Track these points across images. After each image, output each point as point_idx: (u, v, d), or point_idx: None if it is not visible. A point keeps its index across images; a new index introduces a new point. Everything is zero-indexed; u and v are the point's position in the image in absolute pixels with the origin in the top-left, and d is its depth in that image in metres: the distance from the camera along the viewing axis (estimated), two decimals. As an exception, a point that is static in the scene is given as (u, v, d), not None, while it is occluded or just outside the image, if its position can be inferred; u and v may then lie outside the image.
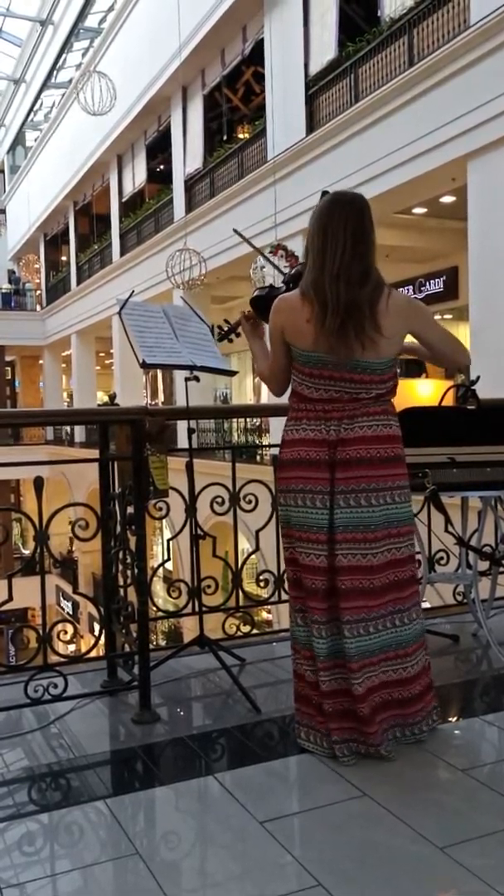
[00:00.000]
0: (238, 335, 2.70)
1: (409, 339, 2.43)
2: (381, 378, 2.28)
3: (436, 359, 2.49)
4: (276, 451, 3.19)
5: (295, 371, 2.33)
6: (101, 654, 2.95)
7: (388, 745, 2.27)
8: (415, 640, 2.34)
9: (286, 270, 2.75)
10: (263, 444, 12.75)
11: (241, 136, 14.27)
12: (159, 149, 16.38)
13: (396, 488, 2.29)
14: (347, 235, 2.22)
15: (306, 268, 2.30)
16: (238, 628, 3.29)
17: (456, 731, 2.52)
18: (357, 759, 2.23)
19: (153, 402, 21.91)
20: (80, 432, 21.17)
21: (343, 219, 2.23)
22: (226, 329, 2.74)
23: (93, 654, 3.00)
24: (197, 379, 2.81)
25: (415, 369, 7.96)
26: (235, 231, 3.40)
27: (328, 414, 2.27)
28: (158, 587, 11.83)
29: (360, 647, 2.24)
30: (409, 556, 2.35)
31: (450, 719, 2.59)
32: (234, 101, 14.65)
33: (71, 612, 20.13)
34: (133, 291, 3.13)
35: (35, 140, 24.98)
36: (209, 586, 3.11)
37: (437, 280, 12.33)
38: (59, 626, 2.87)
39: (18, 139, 27.46)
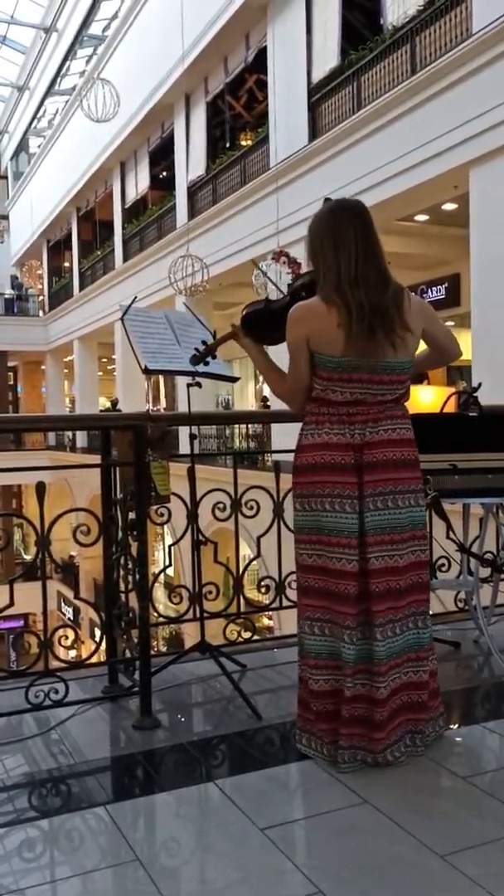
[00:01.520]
0: (214, 357, 2.65)
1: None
2: (405, 377, 2.31)
3: (436, 357, 2.51)
4: (278, 456, 3.19)
5: (318, 378, 2.28)
6: (102, 659, 2.95)
7: (396, 750, 2.25)
8: (430, 642, 2.36)
9: (288, 279, 2.72)
10: (265, 449, 12.76)
11: (243, 143, 14.32)
12: (162, 155, 16.44)
13: (417, 491, 2.33)
14: (358, 241, 2.23)
15: (319, 277, 2.26)
16: (239, 634, 3.28)
17: (457, 739, 2.52)
18: (358, 766, 2.22)
19: (155, 408, 21.93)
20: (81, 438, 21.21)
21: (350, 225, 2.25)
22: (202, 351, 2.59)
23: (94, 659, 2.99)
24: (199, 385, 2.81)
25: (416, 376, 7.97)
26: (254, 262, 3.37)
27: (352, 417, 2.26)
28: (160, 593, 11.81)
29: (390, 649, 2.25)
30: (427, 559, 2.39)
31: (451, 726, 2.58)
32: (236, 109, 14.71)
33: (72, 618, 20.11)
34: (136, 297, 3.14)
35: (38, 146, 25.08)
36: (210, 592, 3.10)
37: (438, 287, 12.36)
38: (61, 632, 2.86)
39: (22, 146, 27.57)
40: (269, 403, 15.73)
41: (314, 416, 2.31)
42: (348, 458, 2.25)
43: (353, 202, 2.33)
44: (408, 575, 2.29)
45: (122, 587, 2.87)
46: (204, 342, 2.63)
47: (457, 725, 2.61)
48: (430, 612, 2.45)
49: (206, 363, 2.64)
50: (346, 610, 2.24)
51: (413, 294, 2.40)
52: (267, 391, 17.05)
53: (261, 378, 18.17)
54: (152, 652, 2.73)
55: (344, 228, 2.24)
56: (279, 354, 2.44)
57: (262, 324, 2.46)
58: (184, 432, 3.16)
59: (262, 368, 2.49)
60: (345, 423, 2.26)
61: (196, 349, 2.63)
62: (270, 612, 3.29)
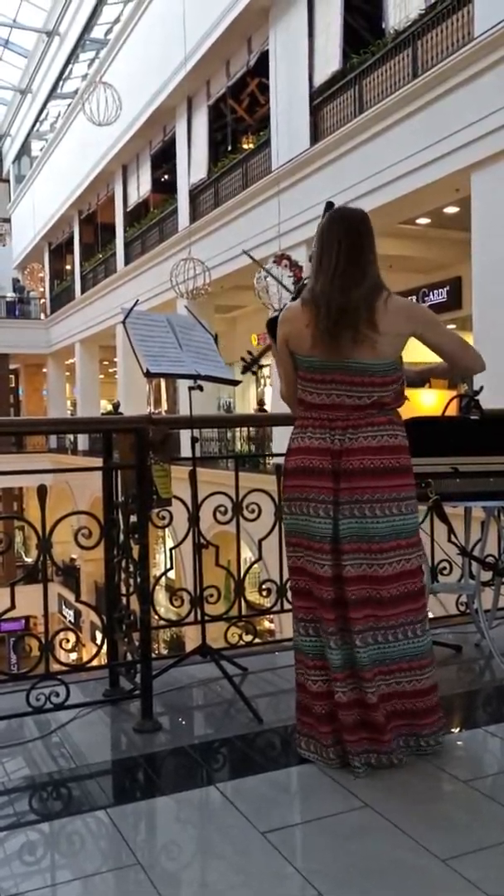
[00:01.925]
0: (261, 367, 2.70)
1: (426, 354, 2.42)
2: (381, 380, 2.26)
3: (449, 364, 2.44)
4: (279, 460, 3.19)
5: (299, 379, 2.34)
6: (103, 662, 2.94)
7: (400, 753, 2.26)
8: (428, 651, 2.34)
9: (290, 282, 2.77)
10: (266, 453, 12.76)
11: (245, 146, 14.34)
12: (164, 159, 16.46)
13: (403, 499, 2.28)
14: (342, 245, 2.25)
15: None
16: (240, 637, 3.28)
17: (459, 742, 2.51)
18: (368, 770, 2.22)
19: (156, 411, 21.94)
20: (83, 441, 21.22)
21: (338, 232, 2.27)
22: (249, 360, 2.73)
23: (95, 662, 2.99)
24: (200, 388, 2.81)
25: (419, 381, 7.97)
26: (245, 252, 3.44)
27: (332, 423, 2.27)
28: (161, 596, 11.80)
29: (372, 656, 2.24)
30: (419, 567, 2.34)
31: (453, 730, 2.58)
32: (238, 112, 14.73)
33: (73, 621, 20.12)
34: (137, 300, 3.15)
35: (41, 150, 25.13)
36: (211, 595, 3.10)
37: (440, 290, 12.36)
38: (62, 635, 2.86)
39: (24, 149, 27.62)
40: (265, 407, 15.76)
41: (300, 421, 2.34)
42: (326, 462, 2.25)
43: (352, 211, 2.34)
44: (395, 585, 2.26)
45: (124, 590, 2.87)
46: (249, 352, 2.72)
47: (458, 729, 2.61)
48: (433, 616, 2.45)
49: (254, 372, 2.77)
50: (325, 614, 2.26)
51: (405, 298, 2.37)
52: (268, 397, 17.09)
53: (262, 382, 18.21)
54: (153, 655, 2.73)
55: (332, 236, 2.27)
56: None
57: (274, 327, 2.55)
58: (185, 435, 3.16)
59: (279, 374, 2.52)
60: (326, 427, 2.27)
61: (243, 359, 2.76)
62: (272, 616, 3.29)
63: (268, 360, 2.75)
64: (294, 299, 2.51)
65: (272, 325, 2.56)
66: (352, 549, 2.24)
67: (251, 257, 3.18)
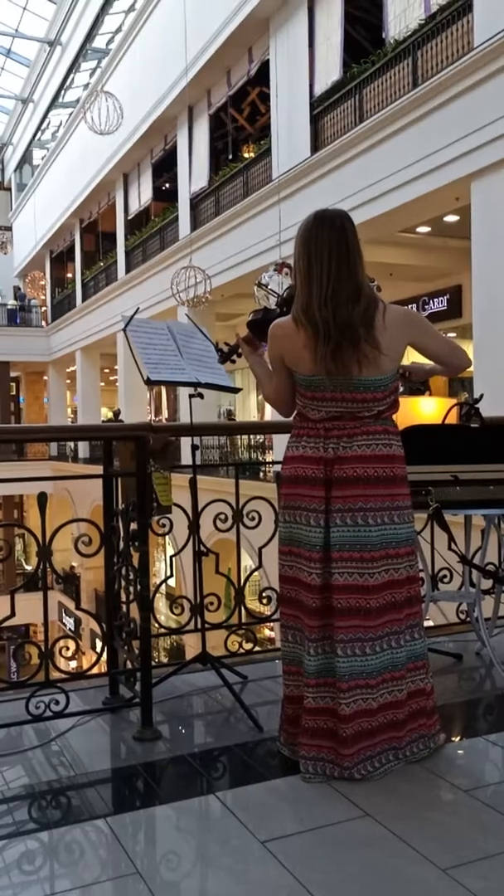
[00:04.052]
0: (239, 355, 2.70)
1: (423, 360, 2.43)
2: (383, 394, 2.27)
3: (441, 369, 2.46)
4: (279, 467, 3.20)
5: (298, 394, 2.33)
6: (103, 670, 2.94)
7: (370, 765, 2.23)
8: (408, 661, 2.31)
9: (280, 294, 2.77)
10: (267, 460, 12.76)
11: (246, 155, 14.40)
12: (165, 167, 16.52)
13: (395, 508, 2.27)
14: (332, 256, 2.19)
15: (295, 292, 2.28)
16: (240, 645, 3.28)
17: (459, 751, 2.50)
18: (322, 779, 2.21)
19: (157, 419, 21.94)
20: (83, 448, 21.22)
21: (326, 239, 2.21)
22: (226, 350, 2.73)
23: (95, 670, 2.99)
24: (201, 396, 2.82)
25: (418, 387, 7.97)
26: (258, 285, 3.45)
27: (329, 432, 2.26)
28: (161, 604, 11.79)
29: (353, 668, 2.22)
30: (408, 577, 2.31)
31: (453, 739, 2.57)
32: (239, 121, 14.80)
33: (73, 629, 20.06)
34: (138, 308, 3.16)
35: (42, 158, 25.22)
36: (212, 603, 3.10)
37: (440, 298, 12.39)
38: (61, 643, 2.86)
39: (26, 157, 27.72)
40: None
41: (296, 430, 2.34)
42: (318, 471, 2.25)
43: (333, 214, 2.26)
44: (381, 594, 2.25)
45: (124, 598, 2.86)
46: (227, 343, 2.73)
47: (459, 738, 2.60)
48: (433, 624, 2.45)
49: (233, 361, 2.73)
50: (308, 621, 2.26)
51: (402, 307, 2.36)
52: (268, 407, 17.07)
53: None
54: (153, 663, 2.73)
55: (319, 243, 2.21)
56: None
57: (260, 330, 2.53)
58: (185, 443, 3.16)
59: (257, 375, 2.52)
60: (321, 436, 2.27)
61: (220, 349, 2.73)
62: (272, 624, 3.28)
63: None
64: (281, 306, 2.50)
65: (254, 325, 2.55)
66: (341, 558, 2.23)
67: (262, 287, 3.19)
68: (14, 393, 28.77)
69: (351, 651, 2.22)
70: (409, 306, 12.64)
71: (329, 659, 2.25)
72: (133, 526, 2.76)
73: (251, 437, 13.73)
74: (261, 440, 13.62)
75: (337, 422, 2.26)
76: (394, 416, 2.36)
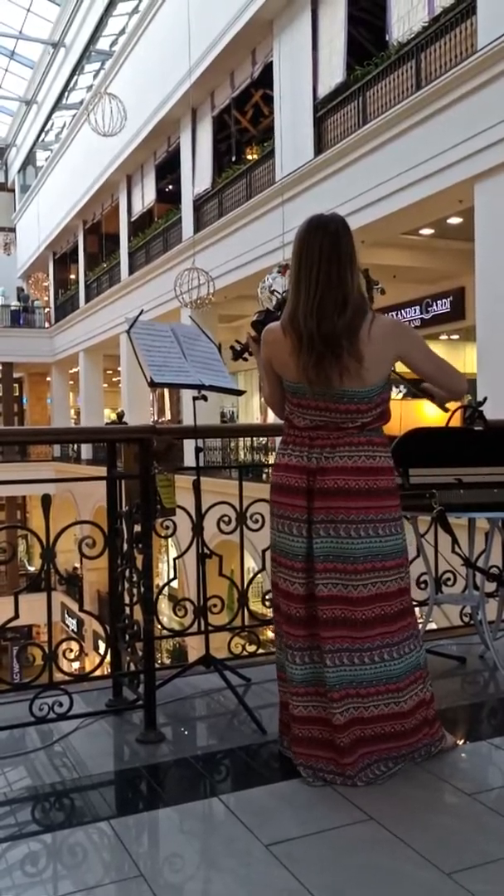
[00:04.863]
0: (251, 353, 2.72)
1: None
2: (367, 407, 2.23)
3: (432, 389, 2.44)
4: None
5: (286, 400, 2.34)
6: (107, 672, 2.94)
7: (371, 773, 2.23)
8: (408, 673, 2.28)
9: (279, 296, 2.79)
10: (270, 463, 12.76)
11: (249, 157, 14.41)
12: (168, 169, 16.53)
13: (380, 521, 2.22)
14: (322, 262, 2.16)
15: (288, 297, 2.28)
16: (244, 648, 3.27)
17: (463, 755, 2.50)
18: (323, 784, 2.21)
19: (160, 420, 21.95)
20: (86, 450, 21.23)
21: (318, 245, 2.17)
22: (238, 348, 2.75)
23: (98, 672, 2.99)
24: (205, 398, 2.82)
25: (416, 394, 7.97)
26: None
27: (313, 441, 2.25)
28: (164, 606, 11.79)
29: (342, 678, 2.22)
30: (399, 589, 2.27)
31: (457, 742, 2.57)
32: (242, 123, 14.80)
33: (76, 630, 20.06)
34: (142, 310, 3.15)
35: (46, 160, 25.26)
36: (215, 605, 3.10)
37: (443, 300, 12.37)
38: (65, 644, 2.86)
39: (29, 159, 27.76)
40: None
41: (284, 436, 2.34)
42: (301, 481, 2.24)
43: (328, 219, 2.23)
44: (370, 607, 2.22)
45: (127, 600, 2.86)
46: (238, 341, 2.76)
47: (462, 742, 2.60)
48: (437, 627, 2.44)
49: (245, 359, 2.74)
50: (292, 631, 2.26)
51: (392, 319, 2.34)
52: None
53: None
54: (156, 665, 2.73)
55: (311, 249, 2.18)
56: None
57: (260, 331, 2.54)
58: (189, 445, 3.16)
59: (261, 374, 2.52)
60: (305, 445, 2.26)
61: (232, 347, 2.77)
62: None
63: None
64: (278, 310, 2.51)
65: (257, 326, 2.57)
66: (325, 569, 2.22)
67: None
68: (17, 394, 28.80)
69: (339, 661, 2.22)
70: (413, 308, 12.68)
71: (317, 669, 2.25)
72: (136, 528, 2.76)
73: (254, 439, 13.73)
74: (263, 442, 13.61)
75: (321, 431, 2.25)
76: (385, 427, 2.31)
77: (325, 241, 2.18)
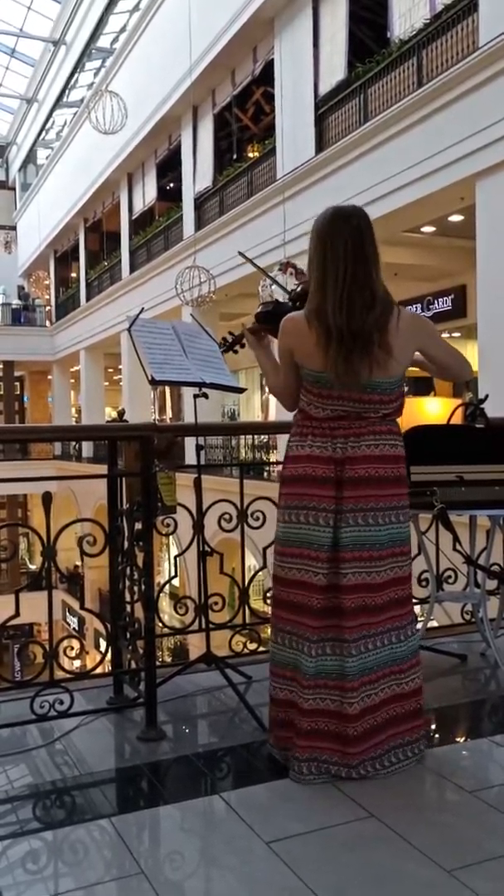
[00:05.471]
0: (242, 346, 2.71)
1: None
2: (390, 397, 2.28)
3: (440, 373, 2.48)
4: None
5: (304, 391, 2.32)
6: (108, 670, 2.94)
7: (378, 763, 2.24)
8: (411, 656, 2.34)
9: (293, 289, 2.76)
10: (271, 460, 12.76)
11: (250, 154, 14.40)
12: (169, 167, 16.52)
13: (400, 508, 2.30)
14: (348, 257, 2.18)
15: (310, 289, 2.27)
16: (245, 645, 3.27)
17: (464, 752, 2.50)
18: (325, 779, 2.21)
19: (161, 418, 21.95)
20: (87, 448, 21.22)
21: (342, 239, 2.19)
22: (230, 340, 2.74)
23: (99, 670, 2.99)
24: (206, 396, 2.81)
25: (423, 388, 7.97)
26: (241, 254, 3.46)
27: (334, 431, 2.26)
28: (165, 603, 11.80)
29: (362, 665, 2.23)
30: (408, 574, 2.36)
31: (458, 740, 2.57)
32: (244, 121, 14.78)
33: (77, 628, 20.07)
34: (143, 308, 3.15)
35: (46, 158, 25.24)
36: (216, 603, 3.10)
37: (445, 298, 12.36)
38: (66, 642, 2.86)
39: (30, 157, 27.74)
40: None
41: (299, 428, 2.33)
42: (329, 471, 2.24)
43: (350, 211, 2.25)
44: (386, 591, 2.27)
45: (128, 598, 2.86)
46: (231, 332, 2.72)
47: (464, 739, 2.60)
48: (437, 625, 2.44)
49: (236, 351, 2.72)
50: (310, 623, 2.25)
51: (409, 311, 2.35)
52: (271, 408, 17.08)
53: (266, 389, 18.20)
54: (157, 663, 2.73)
55: (335, 242, 2.19)
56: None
57: (271, 323, 2.53)
58: (190, 443, 3.16)
59: (263, 366, 2.53)
60: (327, 436, 2.26)
61: (224, 338, 2.74)
62: (276, 624, 3.27)
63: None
64: (293, 302, 2.49)
65: (265, 317, 2.54)
66: (353, 558, 2.23)
67: (245, 257, 3.19)
68: (18, 392, 28.80)
69: (360, 649, 2.23)
70: (414, 306, 12.66)
71: (335, 660, 2.24)
72: (137, 526, 2.76)
73: (255, 436, 13.73)
74: (265, 440, 13.61)
75: (342, 421, 2.26)
76: (398, 419, 2.36)
77: (349, 239, 2.20)
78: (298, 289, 2.55)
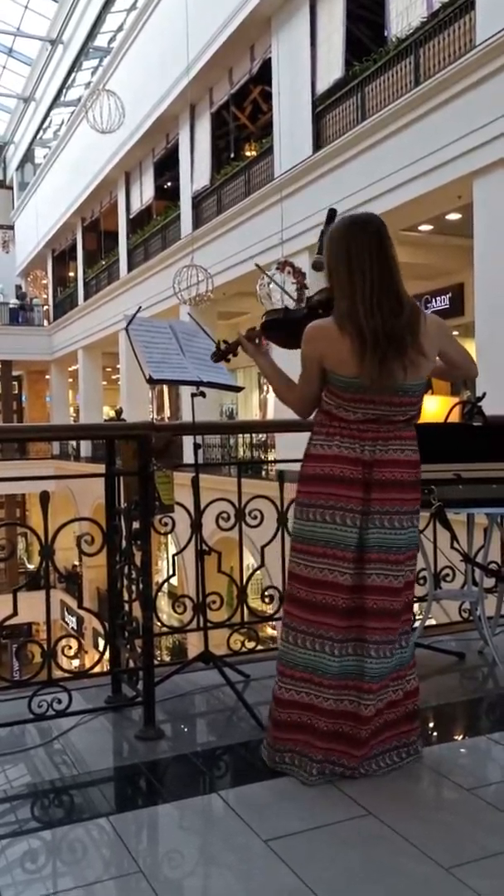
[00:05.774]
0: (235, 354, 2.66)
1: None
2: (417, 399, 2.29)
3: (452, 372, 2.49)
4: (282, 466, 3.18)
5: (331, 395, 2.27)
6: (106, 669, 2.94)
7: (374, 764, 2.25)
8: (410, 658, 2.38)
9: (293, 289, 2.73)
10: (269, 459, 12.76)
11: (248, 153, 14.38)
12: (167, 166, 16.51)
13: (416, 513, 2.33)
14: (373, 263, 2.19)
15: (335, 296, 2.25)
16: (243, 644, 3.27)
17: (462, 750, 2.50)
18: (327, 779, 2.21)
19: (159, 417, 21.95)
20: (85, 447, 21.23)
21: (364, 245, 2.20)
22: (223, 349, 2.64)
23: (97, 669, 2.99)
24: (203, 395, 2.81)
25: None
26: (258, 266, 3.45)
27: (363, 434, 2.25)
28: (163, 602, 11.79)
29: (381, 669, 2.25)
30: (415, 578, 2.40)
31: (456, 738, 2.57)
32: (241, 120, 14.78)
33: (75, 627, 20.08)
34: (140, 307, 3.15)
35: (44, 157, 25.21)
36: (214, 602, 3.10)
37: (442, 297, 12.37)
38: (64, 641, 2.86)
39: (28, 156, 27.71)
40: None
41: (325, 428, 2.29)
42: (357, 472, 2.24)
43: (368, 218, 2.27)
44: (402, 596, 2.30)
45: (126, 597, 2.86)
46: (225, 341, 2.64)
47: (461, 737, 2.60)
48: (435, 623, 2.45)
49: (228, 360, 2.68)
50: (332, 622, 2.24)
51: (429, 313, 2.35)
52: (269, 405, 17.06)
53: (265, 388, 18.20)
54: (155, 662, 2.73)
55: (358, 249, 2.19)
56: (282, 360, 2.47)
57: (280, 331, 2.48)
58: (188, 442, 3.16)
59: (267, 374, 2.49)
60: (355, 437, 2.25)
61: (217, 347, 2.65)
62: (274, 622, 3.28)
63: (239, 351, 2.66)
64: (311, 309, 2.41)
65: (272, 325, 2.48)
66: (378, 559, 2.25)
67: (262, 270, 3.19)
68: (16, 392, 28.78)
69: (382, 653, 2.24)
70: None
71: (356, 660, 2.25)
72: (135, 525, 2.76)
73: (252, 435, 13.72)
74: (263, 439, 13.61)
75: (372, 424, 2.25)
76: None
77: (371, 245, 2.21)
78: (315, 298, 2.44)
